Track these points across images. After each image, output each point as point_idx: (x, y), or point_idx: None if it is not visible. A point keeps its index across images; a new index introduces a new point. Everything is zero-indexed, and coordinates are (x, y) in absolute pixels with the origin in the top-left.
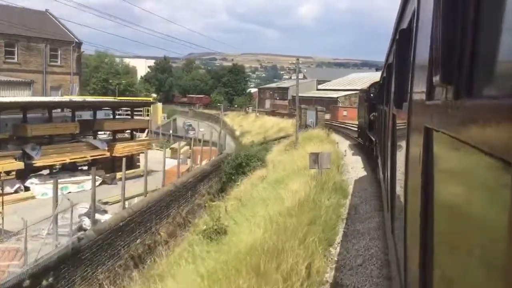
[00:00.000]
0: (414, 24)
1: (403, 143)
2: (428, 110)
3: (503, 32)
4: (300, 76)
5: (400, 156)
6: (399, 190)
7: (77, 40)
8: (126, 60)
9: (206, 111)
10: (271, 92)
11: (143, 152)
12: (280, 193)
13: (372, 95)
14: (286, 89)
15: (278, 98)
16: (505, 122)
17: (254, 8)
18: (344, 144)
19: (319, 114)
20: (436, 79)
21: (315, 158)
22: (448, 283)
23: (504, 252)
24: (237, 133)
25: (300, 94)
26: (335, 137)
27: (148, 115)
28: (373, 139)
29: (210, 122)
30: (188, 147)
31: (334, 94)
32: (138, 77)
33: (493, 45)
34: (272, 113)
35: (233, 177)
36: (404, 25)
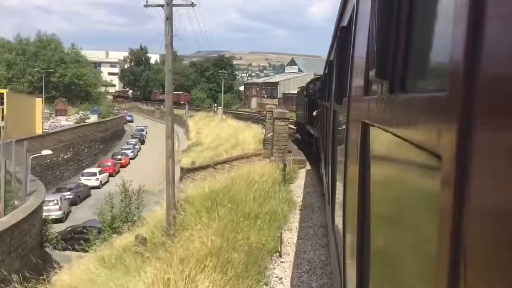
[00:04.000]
0: (354, 21)
1: (342, 138)
2: (365, 105)
3: (435, 30)
4: (295, 69)
5: (340, 150)
6: (339, 183)
7: None
8: (112, 54)
9: (176, 111)
10: (257, 89)
11: None
12: None
13: (311, 91)
14: (275, 84)
15: (266, 96)
16: (436, 116)
17: (264, 7)
18: None
19: (278, 125)
20: (372, 74)
21: None
22: (385, 272)
23: (435, 241)
24: (186, 145)
25: (288, 91)
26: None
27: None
28: (314, 134)
29: (176, 125)
30: None
31: None
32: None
33: (426, 42)
34: (258, 113)
35: None
36: (345, 22)
